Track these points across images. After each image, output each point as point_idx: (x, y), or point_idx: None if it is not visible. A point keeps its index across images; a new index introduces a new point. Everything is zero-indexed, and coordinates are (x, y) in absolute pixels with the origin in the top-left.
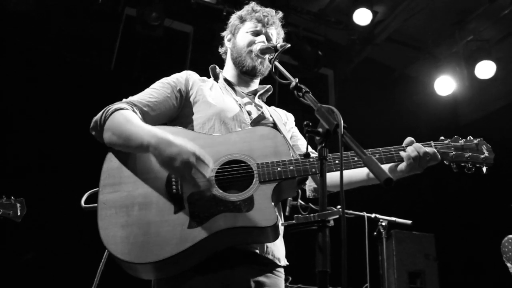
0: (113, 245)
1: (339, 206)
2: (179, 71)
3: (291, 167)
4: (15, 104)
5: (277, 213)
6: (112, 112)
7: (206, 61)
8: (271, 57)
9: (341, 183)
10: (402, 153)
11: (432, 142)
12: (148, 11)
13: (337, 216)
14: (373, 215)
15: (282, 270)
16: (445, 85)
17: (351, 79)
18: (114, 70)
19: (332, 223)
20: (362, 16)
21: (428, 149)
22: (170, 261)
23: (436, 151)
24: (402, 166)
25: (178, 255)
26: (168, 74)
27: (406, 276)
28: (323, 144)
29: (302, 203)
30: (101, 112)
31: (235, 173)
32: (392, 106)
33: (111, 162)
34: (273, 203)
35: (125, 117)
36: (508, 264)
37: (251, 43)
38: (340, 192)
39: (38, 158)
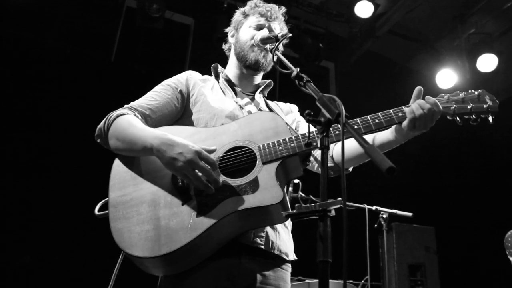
0: (127, 244)
1: (339, 198)
2: (180, 63)
3: (292, 144)
4: (15, 100)
5: (283, 191)
6: (114, 119)
7: (207, 54)
8: (272, 46)
9: (342, 173)
10: (405, 109)
11: (432, 98)
12: (149, 3)
13: (338, 206)
14: (374, 208)
15: (289, 264)
16: (447, 78)
17: (352, 72)
18: (114, 62)
19: (333, 212)
20: (364, 9)
21: (428, 99)
22: (182, 251)
23: (436, 100)
24: (406, 123)
25: (190, 244)
26: (169, 66)
27: (406, 269)
28: (325, 134)
29: (303, 194)
30: (104, 120)
31: (238, 159)
32: (393, 100)
33: (118, 167)
34: (278, 182)
35: (128, 122)
36: (511, 259)
37: (253, 37)
38: (341, 184)
39: (37, 156)
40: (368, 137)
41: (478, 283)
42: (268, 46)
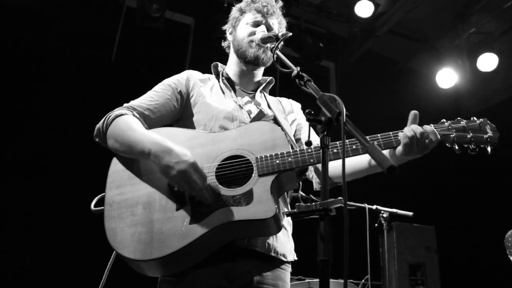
0: (119, 244)
1: (340, 197)
2: (180, 63)
3: (290, 159)
4: (15, 100)
5: (276, 205)
6: (113, 119)
7: (207, 54)
8: (272, 46)
9: (343, 171)
10: (399, 134)
11: (431, 124)
12: (149, 2)
13: (338, 205)
14: (374, 207)
15: (289, 264)
16: (447, 78)
17: (353, 72)
18: (114, 62)
19: (333, 212)
20: (364, 8)
21: (426, 127)
22: (174, 256)
23: (434, 129)
24: (399, 148)
25: (181, 250)
26: (169, 66)
27: (406, 268)
28: (325, 133)
29: (303, 194)
30: (102, 120)
31: (235, 168)
32: (393, 99)
33: (116, 165)
34: (272, 195)
35: (127, 124)
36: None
37: (251, 34)
38: (342, 181)
39: (37, 156)
40: (363, 157)
41: (479, 283)
42: (268, 45)
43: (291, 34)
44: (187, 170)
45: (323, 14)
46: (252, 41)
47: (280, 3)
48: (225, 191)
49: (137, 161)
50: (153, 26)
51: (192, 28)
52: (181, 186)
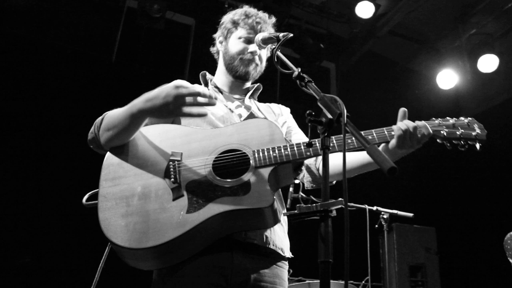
0: (113, 233)
1: (341, 199)
2: (181, 64)
3: (286, 152)
4: (14, 98)
5: (274, 196)
6: (103, 117)
7: (208, 54)
8: (273, 47)
9: (344, 171)
10: (393, 127)
11: (422, 121)
12: (150, 3)
13: (339, 206)
14: (374, 208)
15: (285, 262)
16: (448, 78)
17: (353, 72)
18: (115, 62)
19: (334, 213)
20: (365, 9)
21: (418, 122)
22: (170, 245)
23: (426, 123)
24: (393, 141)
25: (177, 239)
26: (170, 67)
27: (407, 270)
28: (326, 134)
29: (303, 195)
30: (93, 125)
31: (232, 161)
32: (394, 100)
33: (111, 159)
34: (269, 187)
35: (114, 111)
36: (511, 260)
37: (243, 51)
38: (342, 181)
39: (37, 156)
40: (358, 154)
41: (478, 284)
42: (269, 45)
43: (292, 35)
44: (175, 92)
45: (323, 15)
46: (243, 58)
47: (273, 20)
48: (222, 182)
49: (133, 154)
50: (153, 26)
51: (192, 29)
52: (185, 111)
